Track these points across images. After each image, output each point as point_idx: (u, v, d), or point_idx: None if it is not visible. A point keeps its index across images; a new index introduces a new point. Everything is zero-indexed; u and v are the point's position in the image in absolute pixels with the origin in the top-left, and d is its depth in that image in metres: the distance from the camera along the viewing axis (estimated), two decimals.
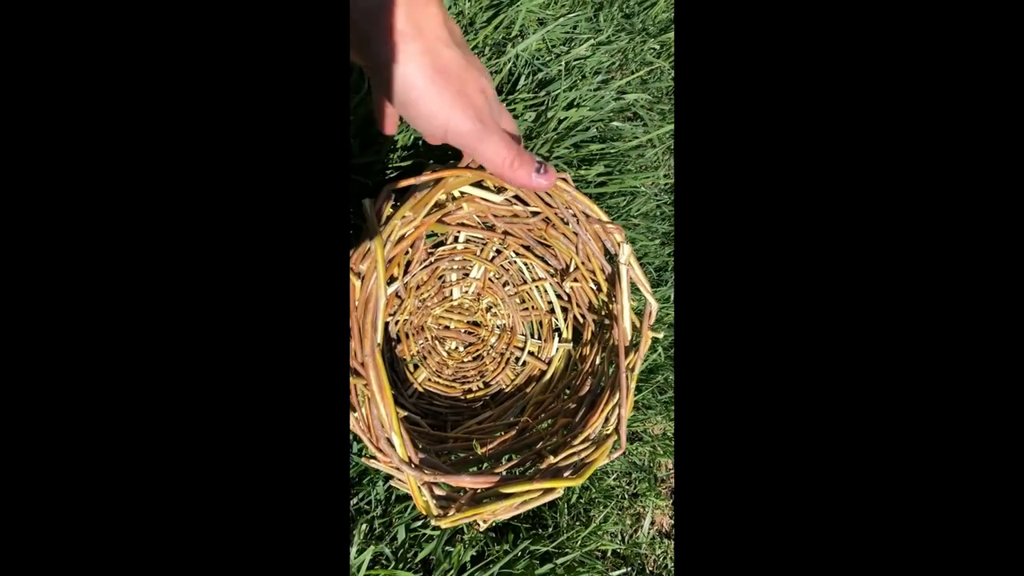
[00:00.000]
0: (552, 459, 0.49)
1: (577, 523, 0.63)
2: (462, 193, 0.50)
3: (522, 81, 0.63)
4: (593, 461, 0.47)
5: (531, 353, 0.62)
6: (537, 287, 0.62)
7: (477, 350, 0.61)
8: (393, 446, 0.42)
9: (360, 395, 0.43)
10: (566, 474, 0.48)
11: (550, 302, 0.62)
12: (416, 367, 0.58)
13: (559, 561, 0.57)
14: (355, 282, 0.39)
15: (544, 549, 0.56)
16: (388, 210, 0.41)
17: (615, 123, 0.76)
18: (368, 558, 0.46)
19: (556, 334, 0.63)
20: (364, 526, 0.49)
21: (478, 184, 0.50)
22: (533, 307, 0.62)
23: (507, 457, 0.53)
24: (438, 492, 0.46)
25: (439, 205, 0.50)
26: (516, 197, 0.52)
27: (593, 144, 0.70)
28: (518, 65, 0.63)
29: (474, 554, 0.54)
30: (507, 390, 0.61)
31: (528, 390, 0.60)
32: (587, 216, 0.51)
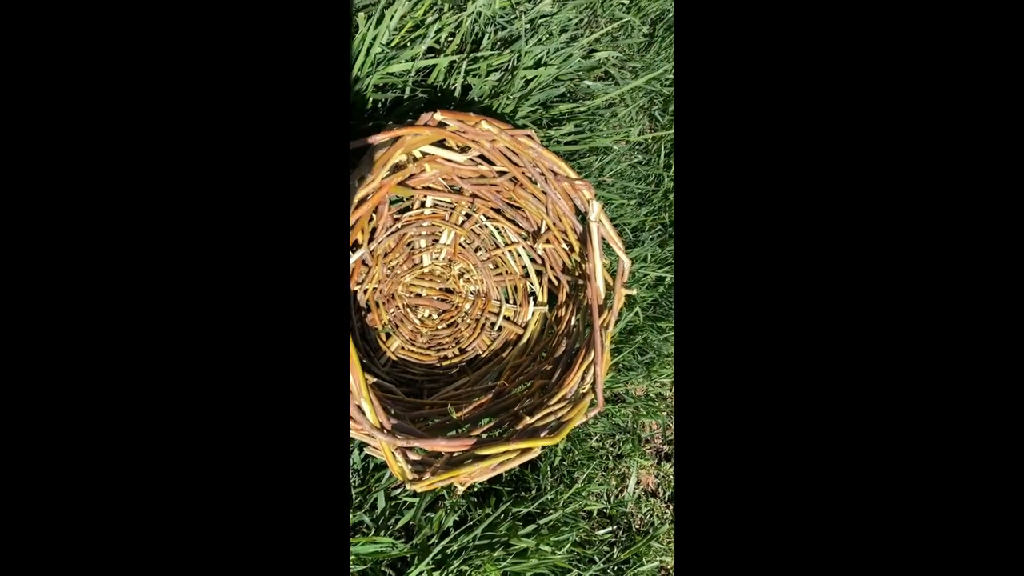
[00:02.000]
0: (528, 420, 0.49)
1: (560, 485, 0.63)
2: (424, 154, 0.49)
3: (485, 40, 0.61)
4: (570, 420, 0.47)
5: (506, 318, 0.62)
6: (511, 251, 0.61)
7: (451, 317, 0.60)
8: (364, 413, 0.41)
9: None
10: (543, 434, 0.48)
11: (524, 266, 0.62)
12: (388, 336, 0.57)
13: (542, 522, 0.57)
14: None
15: (527, 510, 0.56)
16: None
17: (586, 82, 0.74)
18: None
19: (531, 298, 0.62)
20: None
21: (440, 144, 0.48)
22: (507, 272, 0.62)
23: (484, 421, 0.52)
24: (413, 457, 0.46)
25: (400, 167, 0.49)
26: (481, 157, 0.51)
27: (563, 104, 0.68)
28: (480, 23, 0.61)
29: (456, 519, 0.54)
30: (483, 355, 0.60)
31: (504, 355, 0.60)
32: (555, 174, 0.50)
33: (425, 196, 0.56)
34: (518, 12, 0.66)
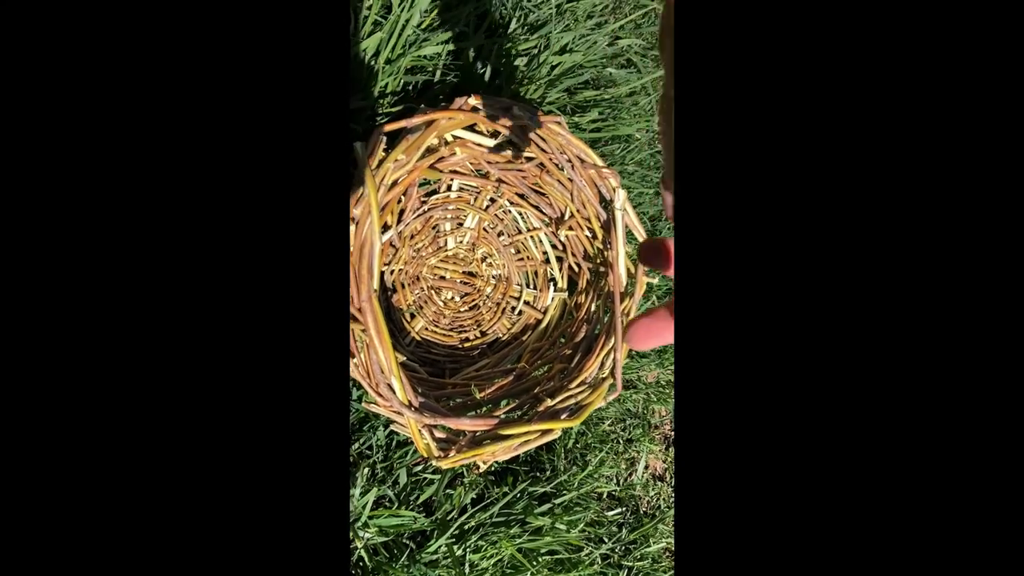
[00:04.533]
0: (550, 402, 0.50)
1: (574, 466, 0.65)
2: (455, 137, 0.49)
3: (513, 24, 0.62)
4: (590, 403, 0.48)
5: (527, 303, 0.63)
6: (532, 237, 0.62)
7: (473, 300, 0.61)
8: (393, 391, 0.43)
9: (359, 341, 0.43)
10: (563, 416, 0.49)
11: (545, 252, 0.62)
12: (413, 316, 0.58)
13: (557, 501, 0.58)
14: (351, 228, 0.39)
15: (543, 490, 0.58)
16: (380, 154, 0.40)
17: (609, 69, 0.74)
18: (371, 500, 0.48)
19: (551, 283, 0.63)
20: (366, 470, 0.50)
21: (471, 128, 0.49)
22: (528, 257, 0.62)
23: (505, 402, 0.54)
24: (438, 435, 0.47)
25: (431, 150, 0.50)
26: (510, 142, 0.52)
27: (587, 90, 0.68)
28: (508, 7, 0.61)
29: (474, 496, 0.55)
30: (503, 339, 0.61)
31: (524, 338, 0.61)
32: (582, 161, 0.50)
33: (452, 179, 0.57)
34: None
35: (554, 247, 0.62)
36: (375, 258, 0.39)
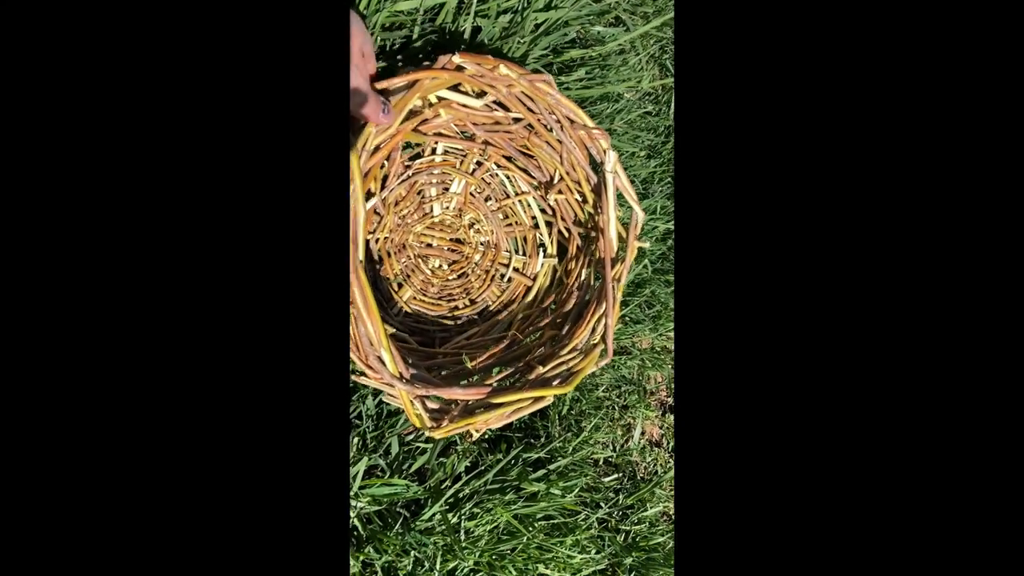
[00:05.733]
0: (541, 369, 0.50)
1: (568, 433, 0.65)
2: (439, 98, 0.47)
3: None
4: (581, 369, 0.48)
5: (516, 269, 0.62)
6: (520, 201, 0.60)
7: (461, 267, 0.60)
8: (383, 363, 0.42)
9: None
10: (555, 383, 0.48)
11: (534, 217, 0.61)
12: (400, 286, 0.57)
13: (551, 467, 0.58)
14: None
15: (536, 456, 0.58)
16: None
17: (596, 28, 0.71)
18: (363, 469, 0.47)
19: (541, 249, 0.62)
20: (356, 440, 0.49)
21: (455, 88, 0.47)
22: (517, 222, 0.61)
23: (497, 369, 0.53)
24: (431, 405, 0.46)
25: (415, 112, 0.48)
26: (496, 103, 0.50)
27: (573, 49, 0.66)
28: None
29: (468, 464, 0.55)
30: (493, 307, 0.60)
31: (514, 306, 0.60)
32: (571, 122, 0.48)
33: (436, 143, 0.55)
34: None
35: (543, 212, 0.60)
36: (359, 227, 0.38)
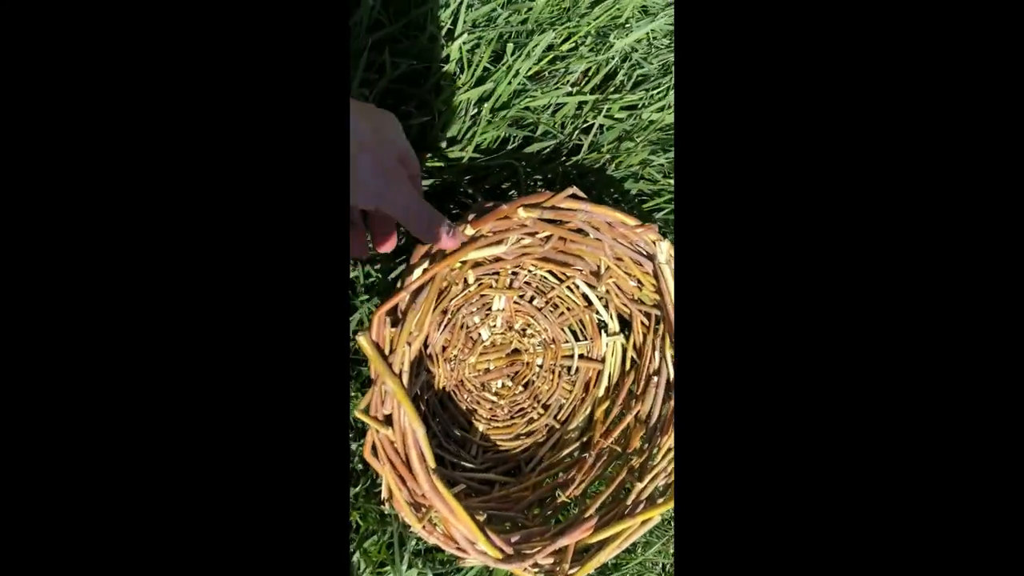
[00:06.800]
0: (639, 486, 0.47)
1: None
2: (462, 263, 0.44)
3: (619, 76, 0.56)
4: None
5: (581, 356, 0.58)
6: (568, 286, 0.56)
7: (525, 376, 0.57)
8: (486, 552, 0.40)
9: (435, 519, 0.41)
10: (659, 500, 0.46)
11: (584, 294, 0.57)
12: (470, 424, 0.55)
13: None
14: (385, 431, 0.35)
15: None
16: (387, 333, 0.36)
17: None
18: None
19: (602, 330, 0.58)
20: None
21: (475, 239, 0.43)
22: (568, 308, 0.57)
23: (591, 488, 0.51)
24: (540, 561, 0.45)
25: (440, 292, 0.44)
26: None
27: None
28: (618, 61, 0.56)
29: None
30: (566, 404, 0.58)
31: (586, 397, 0.57)
32: (610, 225, 0.44)
33: (466, 274, 0.52)
34: (653, 48, 0.58)
35: (593, 288, 0.56)
36: (423, 445, 0.36)
